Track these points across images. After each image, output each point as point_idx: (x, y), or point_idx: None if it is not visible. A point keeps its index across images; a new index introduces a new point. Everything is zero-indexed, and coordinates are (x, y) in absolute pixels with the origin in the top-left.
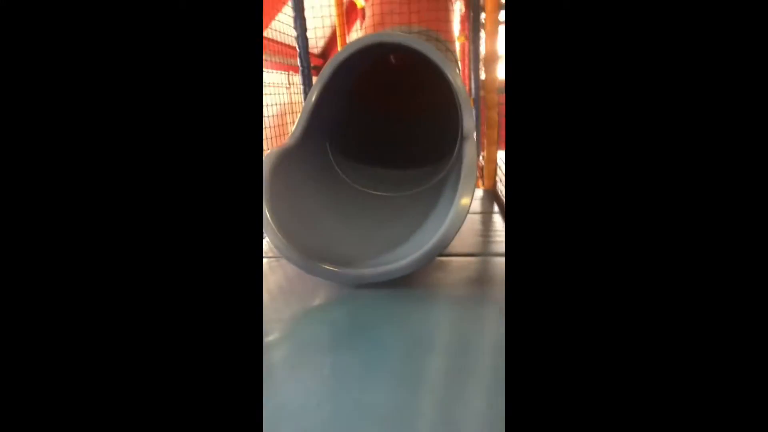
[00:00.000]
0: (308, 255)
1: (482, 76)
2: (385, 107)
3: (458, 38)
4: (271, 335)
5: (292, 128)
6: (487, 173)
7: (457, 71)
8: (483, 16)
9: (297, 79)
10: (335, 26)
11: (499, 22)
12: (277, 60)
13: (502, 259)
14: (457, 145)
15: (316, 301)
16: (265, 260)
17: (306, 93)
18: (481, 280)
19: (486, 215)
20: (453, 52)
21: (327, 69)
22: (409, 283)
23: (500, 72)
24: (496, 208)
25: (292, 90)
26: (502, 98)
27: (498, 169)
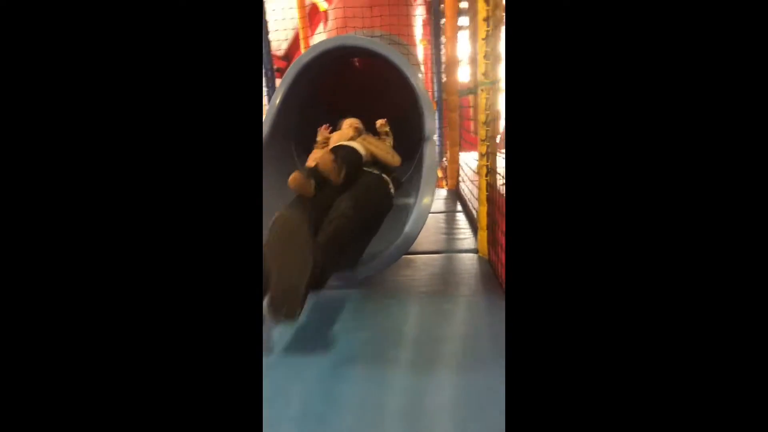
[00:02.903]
0: None
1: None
2: (350, 110)
3: (420, 41)
4: None
5: None
6: (450, 173)
7: (420, 75)
8: (443, 21)
9: None
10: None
11: (459, 28)
12: None
13: (466, 256)
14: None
15: None
16: None
17: (270, 96)
18: (446, 275)
19: (449, 214)
20: (415, 56)
21: (290, 71)
22: (376, 282)
23: (461, 75)
24: (459, 207)
25: None
26: (464, 101)
27: (460, 170)
